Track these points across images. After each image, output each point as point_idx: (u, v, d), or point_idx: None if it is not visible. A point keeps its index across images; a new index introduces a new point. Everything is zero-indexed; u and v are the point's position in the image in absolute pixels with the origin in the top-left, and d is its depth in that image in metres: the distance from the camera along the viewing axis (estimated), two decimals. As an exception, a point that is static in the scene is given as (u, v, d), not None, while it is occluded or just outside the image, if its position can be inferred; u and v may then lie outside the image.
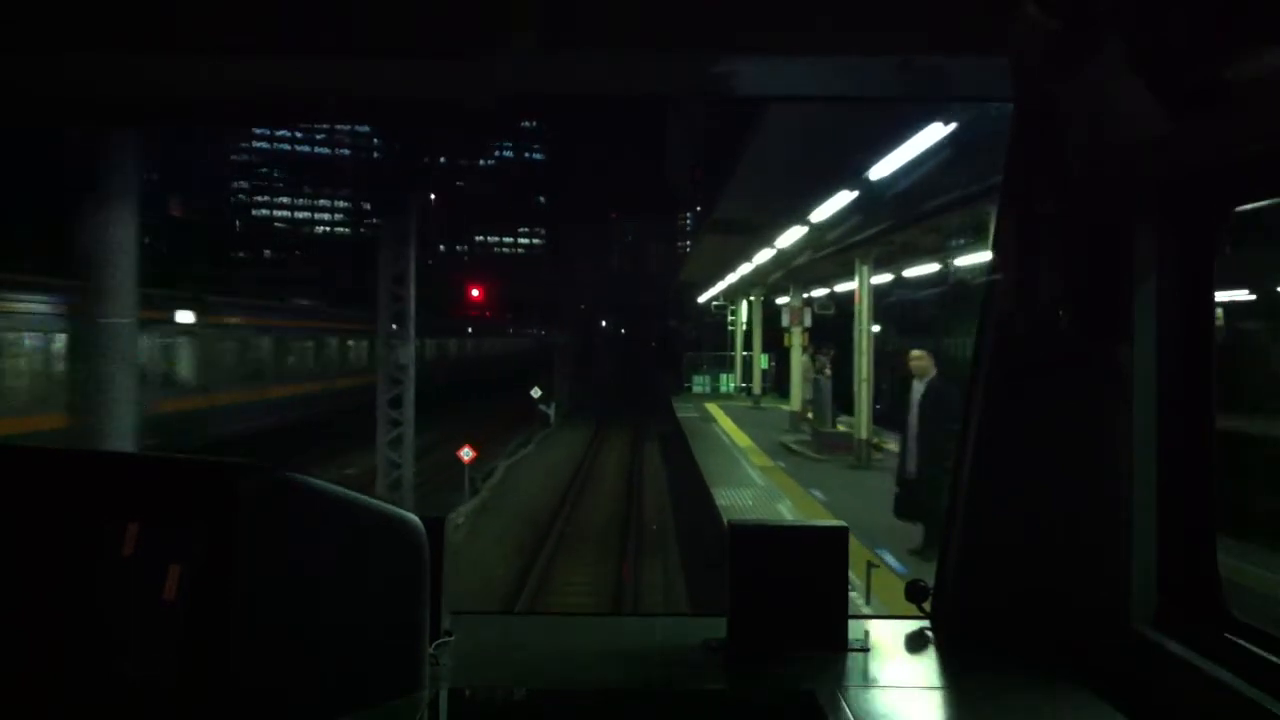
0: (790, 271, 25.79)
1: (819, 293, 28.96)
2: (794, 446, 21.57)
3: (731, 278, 34.33)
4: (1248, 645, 1.86)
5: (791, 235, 20.09)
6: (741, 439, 24.50)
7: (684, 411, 33.44)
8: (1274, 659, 1.79)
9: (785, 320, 27.96)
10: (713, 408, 34.38)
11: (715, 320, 56.12)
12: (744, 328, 38.84)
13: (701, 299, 49.95)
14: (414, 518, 2.05)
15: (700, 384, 43.77)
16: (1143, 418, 2.12)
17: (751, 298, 35.90)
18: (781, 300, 36.74)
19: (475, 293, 52.62)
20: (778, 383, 36.80)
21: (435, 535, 2.11)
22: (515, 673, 2.27)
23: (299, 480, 1.85)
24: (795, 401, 26.83)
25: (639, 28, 2.18)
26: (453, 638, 2.31)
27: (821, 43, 2.20)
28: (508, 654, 2.39)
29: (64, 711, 1.74)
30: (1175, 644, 1.99)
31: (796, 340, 27.49)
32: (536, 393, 35.83)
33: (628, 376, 69.12)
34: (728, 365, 42.83)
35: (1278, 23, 1.52)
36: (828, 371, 21.89)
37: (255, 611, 1.74)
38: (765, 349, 35.82)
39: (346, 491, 1.94)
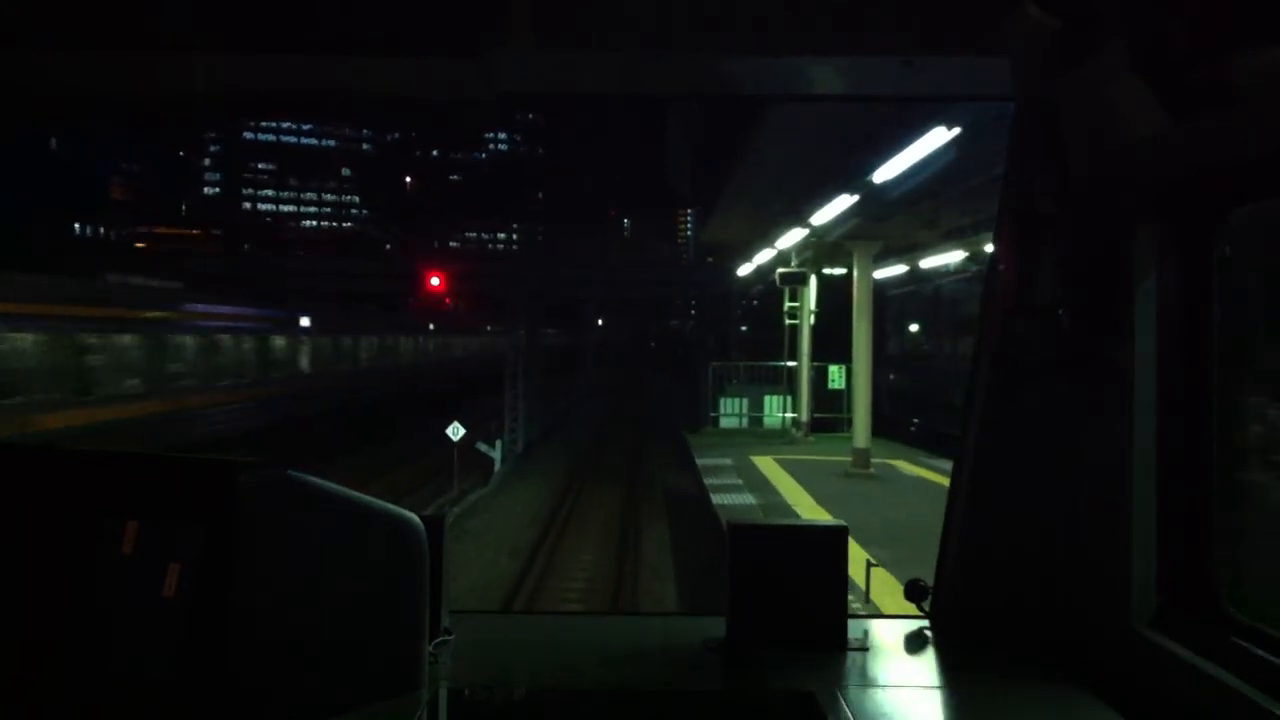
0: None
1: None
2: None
3: (801, 230, 19.21)
4: (1247, 645, 1.86)
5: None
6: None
7: (719, 478, 16.75)
8: (1273, 659, 1.79)
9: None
10: (772, 469, 17.52)
11: (741, 312, 45.64)
12: (812, 318, 23.00)
13: (743, 270, 32.04)
14: (414, 517, 2.05)
15: (731, 413, 25.71)
16: (1143, 418, 2.13)
17: (852, 267, 18.86)
18: (890, 269, 22.02)
19: (435, 280, 43.86)
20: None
21: (435, 534, 2.11)
22: (514, 672, 2.27)
23: (299, 478, 1.84)
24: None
25: (639, 27, 2.18)
26: (452, 637, 2.30)
27: (822, 42, 2.20)
28: (507, 653, 2.39)
29: (64, 709, 1.74)
30: (1174, 644, 1.99)
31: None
32: (457, 431, 21.01)
33: (625, 387, 60.37)
34: (783, 382, 25.24)
35: (1278, 23, 1.52)
36: None
37: (254, 610, 1.74)
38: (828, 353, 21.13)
39: (347, 490, 1.94)
